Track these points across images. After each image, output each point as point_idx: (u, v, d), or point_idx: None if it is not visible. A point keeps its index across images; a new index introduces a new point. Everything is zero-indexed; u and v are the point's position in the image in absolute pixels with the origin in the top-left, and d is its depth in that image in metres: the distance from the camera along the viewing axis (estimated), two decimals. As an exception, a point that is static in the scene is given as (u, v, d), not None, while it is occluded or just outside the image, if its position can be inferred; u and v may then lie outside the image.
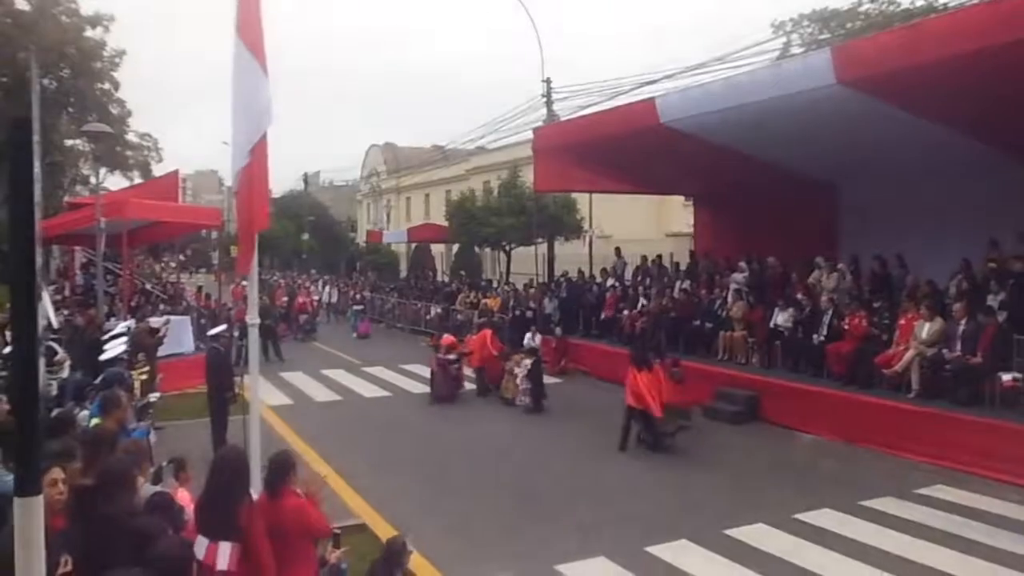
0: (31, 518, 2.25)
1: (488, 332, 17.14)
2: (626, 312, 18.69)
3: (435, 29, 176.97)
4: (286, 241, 55.27)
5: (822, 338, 13.97)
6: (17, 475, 2.28)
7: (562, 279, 23.22)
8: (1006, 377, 10.87)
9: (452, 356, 16.49)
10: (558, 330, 19.29)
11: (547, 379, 15.87)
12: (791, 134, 13.66)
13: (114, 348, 10.03)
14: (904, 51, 10.30)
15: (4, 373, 9.66)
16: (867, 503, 9.29)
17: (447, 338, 17.12)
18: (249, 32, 6.07)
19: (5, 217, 2.17)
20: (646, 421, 12.10)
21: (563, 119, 23.72)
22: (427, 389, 17.09)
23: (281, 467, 5.09)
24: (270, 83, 6.07)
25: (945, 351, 11.87)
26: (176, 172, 25.27)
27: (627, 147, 16.37)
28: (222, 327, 12.44)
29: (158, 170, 35.67)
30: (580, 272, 23.18)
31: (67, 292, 21.19)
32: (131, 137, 35.99)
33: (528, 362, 15.45)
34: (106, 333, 11.93)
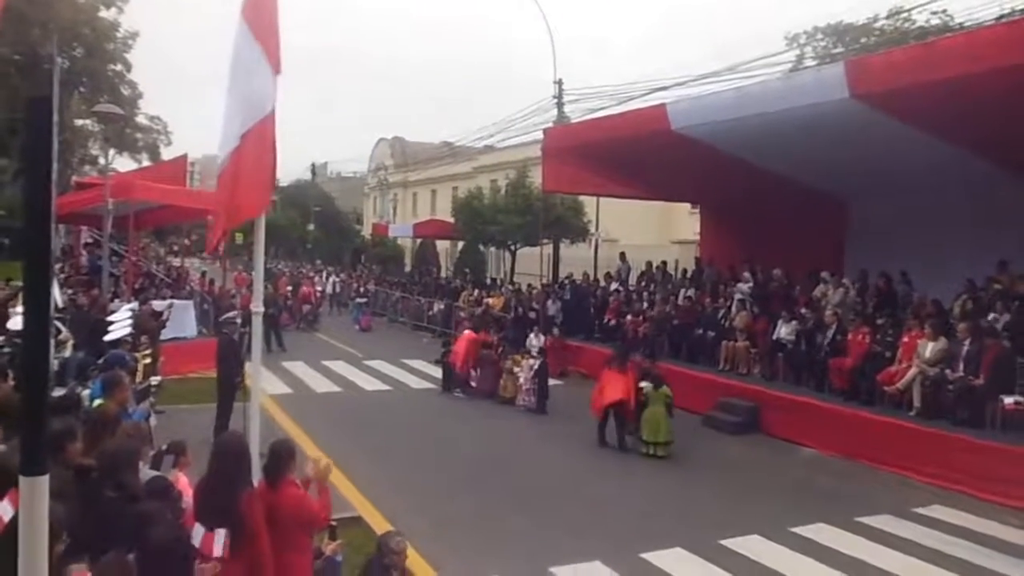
0: (36, 497, 2.24)
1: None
2: (629, 317, 18.68)
3: (449, 27, 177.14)
4: (291, 230, 55.33)
5: (825, 350, 13.94)
6: (23, 454, 2.27)
7: (566, 281, 23.20)
8: (1008, 400, 10.83)
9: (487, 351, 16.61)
10: (556, 331, 19.26)
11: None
12: (801, 146, 13.66)
13: (119, 329, 10.02)
14: (918, 68, 10.31)
15: (7, 349, 9.67)
16: (864, 519, 9.27)
17: (473, 335, 16.94)
18: (255, 16, 6.07)
19: (17, 193, 2.12)
20: (619, 418, 12.55)
21: (574, 121, 23.73)
22: (429, 385, 17.35)
23: (281, 456, 5.08)
24: (272, 71, 6.06)
25: (948, 371, 11.85)
26: (185, 156, 25.28)
27: (636, 152, 16.38)
28: (233, 313, 12.42)
29: (167, 153, 35.70)
30: (585, 275, 23.16)
31: (71, 271, 21.19)
32: (141, 119, 36.04)
33: (534, 362, 15.45)
34: (110, 314, 11.92)
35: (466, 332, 17.01)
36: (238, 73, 6.08)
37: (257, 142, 6.00)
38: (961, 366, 11.76)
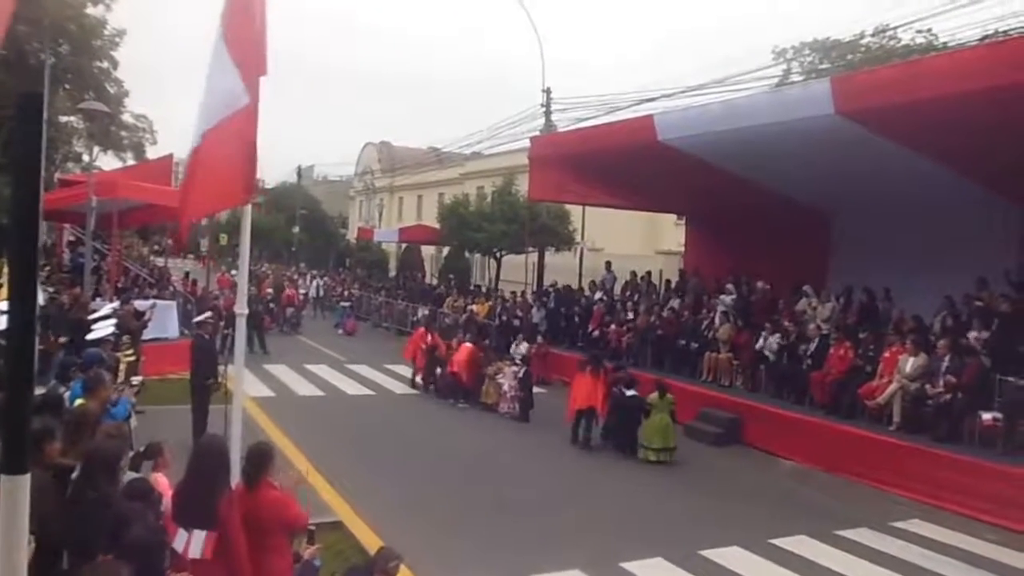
0: (17, 497, 2.22)
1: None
2: (612, 326, 18.72)
3: (438, 34, 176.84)
4: (276, 233, 55.07)
5: (808, 363, 14.03)
6: (4, 452, 2.25)
7: (551, 289, 23.22)
8: (986, 416, 10.96)
9: None
10: (540, 339, 19.27)
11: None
12: (787, 160, 13.76)
13: (102, 329, 9.94)
14: (903, 87, 10.42)
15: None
16: (843, 532, 9.33)
17: (473, 347, 16.79)
18: (230, 19, 6.10)
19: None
20: (587, 419, 13.12)
21: (561, 130, 23.79)
22: (412, 390, 17.44)
23: (260, 458, 5.04)
24: (237, 73, 6.07)
25: (928, 386, 11.95)
26: (170, 156, 25.06)
27: (623, 162, 16.44)
28: (207, 314, 12.36)
29: (152, 152, 35.37)
30: (568, 286, 23.15)
31: (54, 269, 20.99)
32: (127, 117, 35.68)
33: (518, 370, 15.45)
34: (92, 313, 11.83)
35: (465, 344, 16.80)
36: (209, 76, 6.12)
37: (223, 139, 6.01)
38: (941, 382, 11.87)
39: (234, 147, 6.07)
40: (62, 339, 11.13)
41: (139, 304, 15.84)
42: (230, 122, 6.00)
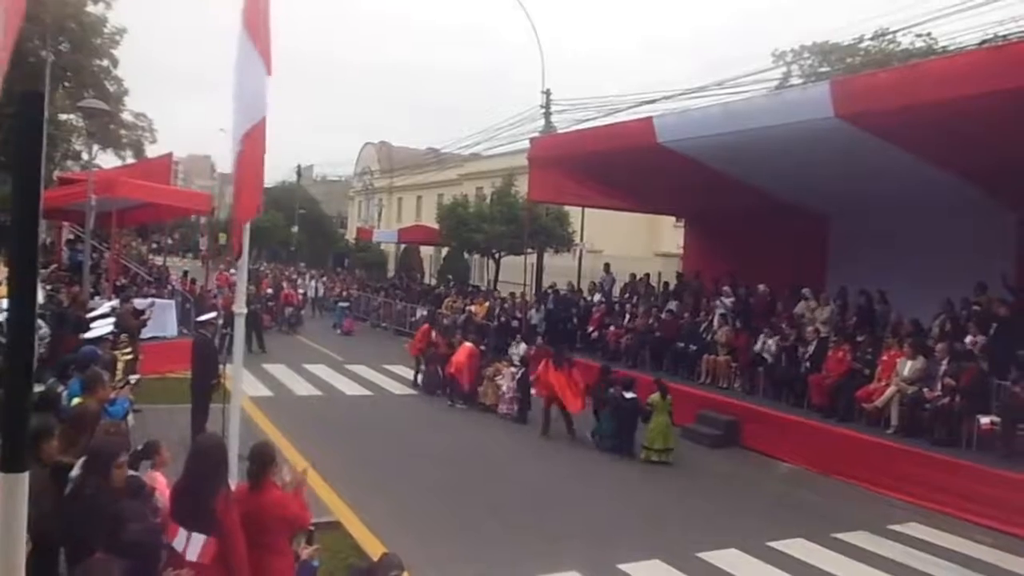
0: (16, 494, 2.22)
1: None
2: (611, 328, 18.72)
3: (438, 35, 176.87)
4: (275, 232, 55.04)
5: (805, 366, 14.03)
6: (4, 450, 2.25)
7: (549, 291, 23.22)
8: (984, 420, 10.95)
9: None
10: (539, 340, 19.25)
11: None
12: (786, 163, 13.77)
13: (101, 327, 9.93)
14: (902, 90, 10.43)
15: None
16: (840, 536, 9.32)
17: (473, 348, 16.70)
18: (252, 20, 6.10)
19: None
20: (564, 414, 13.72)
21: (561, 131, 23.81)
22: (410, 391, 17.45)
23: (263, 459, 5.04)
24: (267, 74, 6.09)
25: (926, 390, 11.95)
26: (170, 155, 25.11)
27: (622, 164, 16.45)
28: (212, 314, 12.35)
29: (151, 151, 35.36)
30: (569, 285, 23.17)
31: (54, 268, 20.97)
32: (126, 116, 35.67)
33: (517, 371, 15.44)
34: (90, 311, 11.81)
35: (465, 345, 16.67)
36: (239, 80, 6.09)
37: (253, 144, 6.02)
38: (939, 385, 11.87)
39: (258, 154, 6.10)
40: (81, 336, 11.09)
41: (138, 302, 15.85)
42: (257, 128, 6.02)
